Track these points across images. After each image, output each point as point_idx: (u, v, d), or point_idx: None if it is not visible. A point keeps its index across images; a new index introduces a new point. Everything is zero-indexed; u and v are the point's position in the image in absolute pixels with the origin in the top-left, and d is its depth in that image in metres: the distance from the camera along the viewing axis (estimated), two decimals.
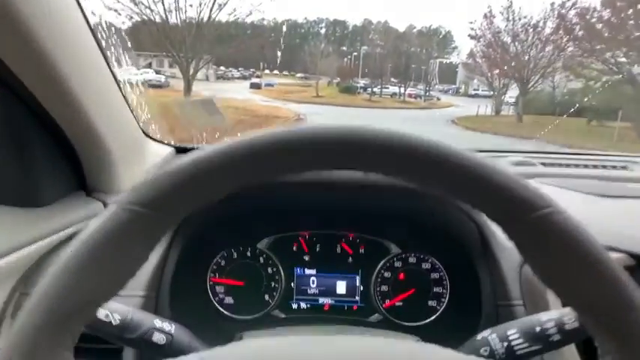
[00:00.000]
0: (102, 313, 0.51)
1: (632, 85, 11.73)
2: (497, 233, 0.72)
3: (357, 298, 0.86)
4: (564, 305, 0.40)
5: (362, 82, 23.67)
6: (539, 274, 0.39)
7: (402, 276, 0.85)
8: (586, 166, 1.13)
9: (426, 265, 0.85)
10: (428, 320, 0.83)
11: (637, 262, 0.62)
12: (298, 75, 24.26)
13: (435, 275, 0.84)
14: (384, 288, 0.85)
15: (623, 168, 1.14)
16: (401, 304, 0.84)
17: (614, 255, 0.62)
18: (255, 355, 0.37)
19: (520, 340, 0.52)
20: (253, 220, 0.85)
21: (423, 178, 0.37)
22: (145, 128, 1.05)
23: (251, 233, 0.85)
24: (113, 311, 0.52)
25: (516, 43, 16.48)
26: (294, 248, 0.86)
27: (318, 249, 0.86)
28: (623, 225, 0.68)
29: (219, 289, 0.84)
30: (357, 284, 0.85)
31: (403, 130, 0.37)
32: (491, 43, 17.27)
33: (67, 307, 0.35)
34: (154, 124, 1.20)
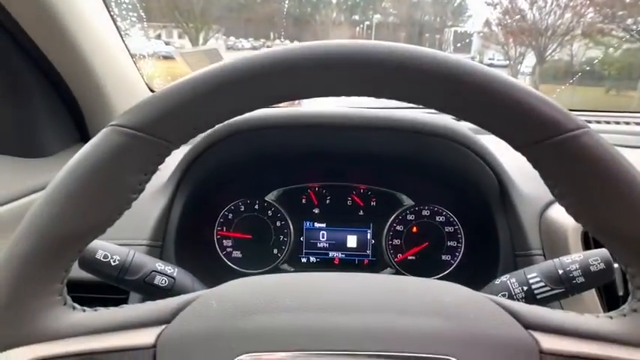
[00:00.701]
0: (100, 254, 0.49)
1: None
2: (517, 181, 0.68)
3: (369, 252, 0.83)
4: (594, 235, 0.36)
5: None
6: (568, 203, 0.35)
7: (415, 229, 0.82)
8: (607, 122, 1.08)
9: (440, 218, 0.81)
10: (442, 274, 0.80)
11: None
12: None
13: (449, 229, 0.81)
14: (397, 242, 0.82)
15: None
16: (414, 257, 0.82)
17: None
18: (256, 287, 0.35)
19: (541, 284, 0.49)
20: (261, 171, 0.82)
21: (445, 97, 0.33)
22: (150, 83, 1.02)
23: (259, 185, 0.83)
24: (113, 253, 0.50)
25: (534, 10, 15.91)
26: (304, 201, 0.83)
27: (328, 202, 0.83)
28: None
29: (227, 242, 0.82)
30: (369, 238, 0.83)
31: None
32: (508, 10, 16.69)
33: (58, 234, 0.32)
34: (158, 78, 1.16)
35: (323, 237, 0.83)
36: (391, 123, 0.67)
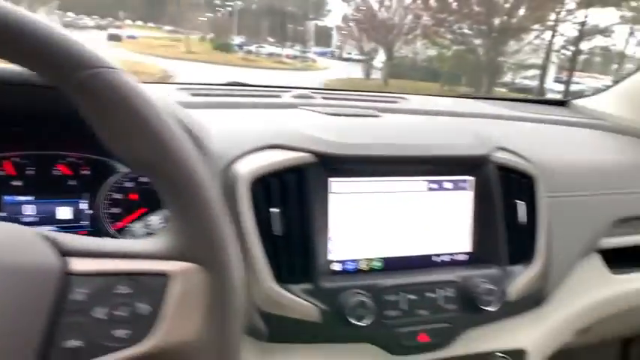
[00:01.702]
0: None
1: (473, 55, 13.38)
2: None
3: (86, 222, 0.81)
4: (134, 169, 0.40)
5: (238, 40, 22.79)
6: (102, 137, 0.38)
7: (133, 196, 0.82)
8: (356, 100, 1.22)
9: None
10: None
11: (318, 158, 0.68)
12: (166, 28, 22.27)
13: None
14: (115, 210, 0.81)
15: (393, 102, 1.26)
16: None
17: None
18: None
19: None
20: None
21: None
22: None
23: None
24: None
25: (382, 9, 17.44)
26: (1, 173, 0.77)
27: (31, 173, 0.78)
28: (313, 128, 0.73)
29: None
30: (84, 208, 0.80)
31: None
32: (359, 7, 18.00)
33: None
34: None
35: (29, 211, 0.78)
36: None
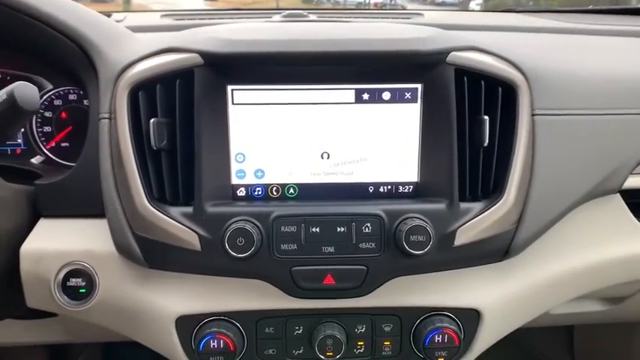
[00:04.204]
0: None
1: None
2: (102, 48, 0.64)
3: (20, 140, 0.79)
4: None
5: None
6: None
7: (63, 114, 0.78)
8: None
9: (86, 102, 0.77)
10: None
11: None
12: None
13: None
14: (47, 129, 0.78)
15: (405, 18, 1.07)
16: (67, 144, 0.78)
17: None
18: None
19: None
20: None
21: None
22: None
23: None
24: None
25: None
26: None
27: None
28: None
29: None
30: None
31: None
32: None
33: None
34: None
35: None
36: None
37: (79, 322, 0.77)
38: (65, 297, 0.60)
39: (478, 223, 0.57)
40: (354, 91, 0.58)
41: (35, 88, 0.55)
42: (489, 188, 0.59)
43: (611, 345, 1.44)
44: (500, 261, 0.60)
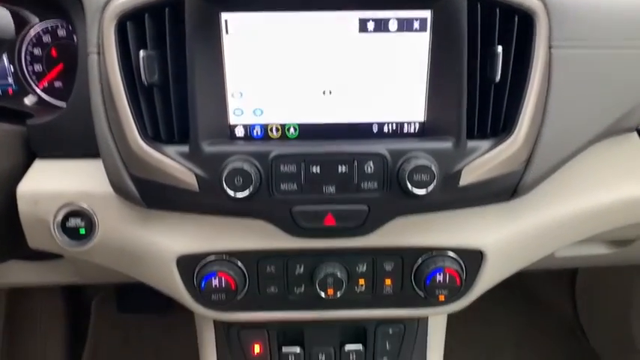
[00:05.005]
0: None
1: None
2: None
3: (10, 80, 0.76)
4: None
5: None
6: None
7: (53, 52, 0.74)
8: None
9: (75, 37, 0.73)
10: None
11: None
12: None
13: None
14: (38, 67, 0.75)
15: None
16: (59, 83, 0.75)
17: None
18: None
19: None
20: None
21: None
22: None
23: None
24: None
25: None
26: None
27: None
28: None
29: None
30: (6, 65, 0.75)
31: None
32: None
33: None
34: None
35: None
36: None
37: (86, 264, 0.78)
38: (65, 238, 0.60)
39: (485, 161, 0.54)
40: (357, 20, 0.54)
41: (6, 11, 0.50)
42: (499, 126, 0.56)
43: (613, 290, 1.47)
44: (507, 201, 0.58)
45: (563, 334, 1.57)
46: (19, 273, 0.85)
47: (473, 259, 0.60)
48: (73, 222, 0.60)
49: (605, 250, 0.85)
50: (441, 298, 0.59)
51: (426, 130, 0.57)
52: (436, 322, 0.76)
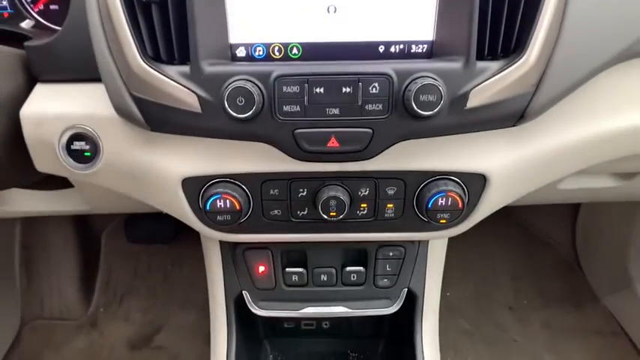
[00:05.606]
0: None
1: None
2: None
3: (5, 3, 0.73)
4: None
5: None
6: None
7: None
8: None
9: None
10: None
11: None
12: None
13: None
14: None
15: None
16: (56, 7, 0.73)
17: None
18: None
19: None
20: None
21: None
22: None
23: None
24: None
25: None
26: None
27: None
28: None
29: None
30: None
31: None
32: None
33: None
34: None
35: None
36: None
37: (95, 193, 0.80)
38: (71, 160, 0.61)
39: (494, 83, 0.53)
40: None
41: None
42: (510, 46, 0.54)
43: (613, 227, 1.48)
44: (514, 126, 0.57)
45: (561, 269, 1.62)
46: (30, 202, 0.87)
47: (476, 183, 0.60)
48: (77, 145, 0.60)
49: (611, 183, 0.85)
50: (442, 221, 0.60)
51: (435, 51, 0.55)
52: (436, 246, 0.78)
